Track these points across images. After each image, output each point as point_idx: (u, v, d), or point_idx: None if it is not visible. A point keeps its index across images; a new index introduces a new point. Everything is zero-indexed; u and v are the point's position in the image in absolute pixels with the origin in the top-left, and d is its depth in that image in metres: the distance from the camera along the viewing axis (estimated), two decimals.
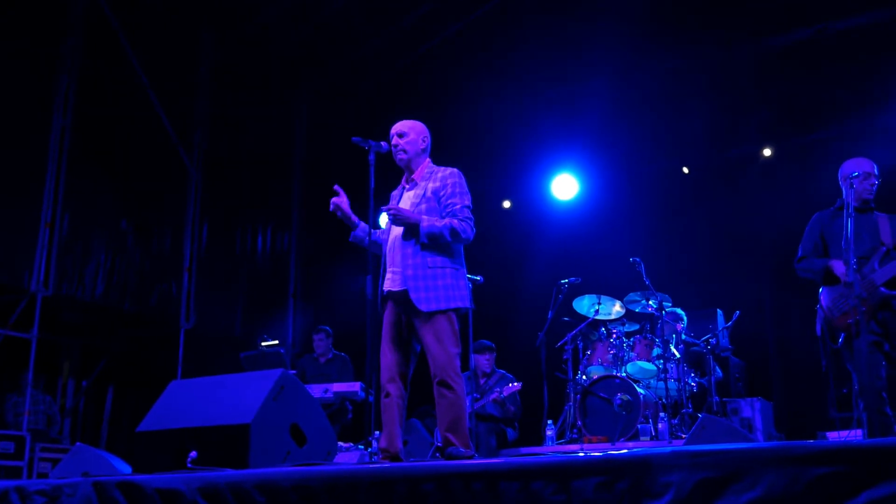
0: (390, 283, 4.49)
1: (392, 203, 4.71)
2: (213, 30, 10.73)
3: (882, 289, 5.06)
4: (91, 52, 9.30)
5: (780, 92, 10.17)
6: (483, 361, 8.10)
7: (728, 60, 10.28)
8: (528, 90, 11.27)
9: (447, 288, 4.41)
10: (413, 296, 4.36)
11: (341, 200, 4.66)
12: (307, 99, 12.11)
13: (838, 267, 5.14)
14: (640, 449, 2.78)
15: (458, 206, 4.50)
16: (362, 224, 4.74)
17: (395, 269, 4.49)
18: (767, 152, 10.52)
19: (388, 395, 4.44)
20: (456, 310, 4.45)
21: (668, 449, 2.48)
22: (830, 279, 5.25)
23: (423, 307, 4.36)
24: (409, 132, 4.68)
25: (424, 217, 4.47)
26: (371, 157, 4.61)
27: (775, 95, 10.25)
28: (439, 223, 4.44)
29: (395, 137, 4.66)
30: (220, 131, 10.79)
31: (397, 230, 4.56)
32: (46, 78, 8.95)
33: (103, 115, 9.44)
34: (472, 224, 4.51)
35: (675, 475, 2.40)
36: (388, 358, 4.49)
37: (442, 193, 4.54)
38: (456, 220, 4.45)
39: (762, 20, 9.55)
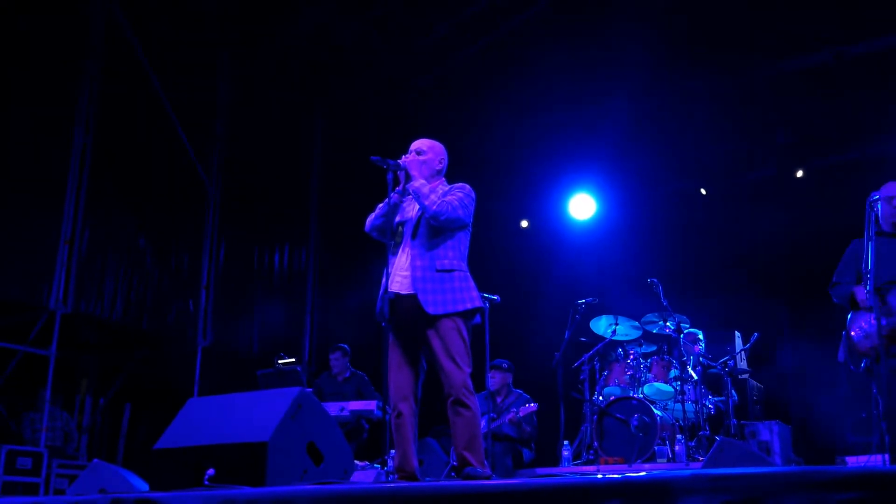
0: (399, 285, 4.44)
1: (401, 208, 4.68)
2: (232, 50, 10.82)
3: None
4: (112, 71, 9.38)
5: (798, 114, 10.14)
6: (499, 380, 8.08)
7: (746, 82, 10.27)
8: (545, 110, 11.29)
9: (454, 291, 4.38)
10: (421, 298, 4.33)
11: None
12: (324, 117, 12.18)
13: (859, 292, 5.09)
14: (659, 471, 2.76)
15: (451, 198, 4.47)
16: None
17: (403, 273, 4.45)
18: (800, 174, 10.44)
19: (399, 414, 4.39)
20: (465, 315, 4.41)
21: (688, 472, 2.47)
22: (857, 304, 5.19)
23: (430, 310, 4.31)
24: (427, 151, 4.67)
25: (426, 182, 4.52)
26: (389, 177, 4.55)
27: (794, 118, 10.22)
28: (434, 195, 4.45)
29: (413, 154, 4.65)
30: (238, 150, 10.86)
31: (407, 232, 4.55)
32: (68, 96, 9.02)
33: (123, 134, 9.51)
34: (455, 213, 4.42)
35: (694, 499, 2.39)
36: (396, 377, 4.44)
37: (444, 194, 4.53)
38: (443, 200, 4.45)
39: (781, 43, 9.54)
